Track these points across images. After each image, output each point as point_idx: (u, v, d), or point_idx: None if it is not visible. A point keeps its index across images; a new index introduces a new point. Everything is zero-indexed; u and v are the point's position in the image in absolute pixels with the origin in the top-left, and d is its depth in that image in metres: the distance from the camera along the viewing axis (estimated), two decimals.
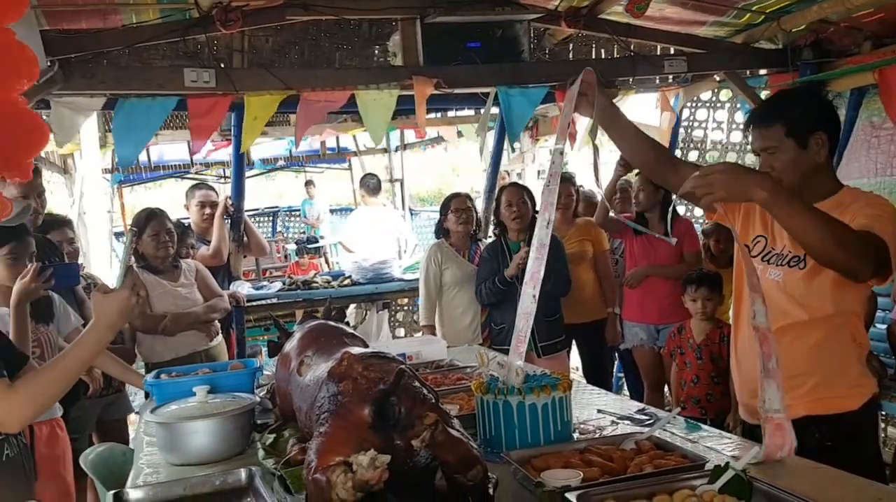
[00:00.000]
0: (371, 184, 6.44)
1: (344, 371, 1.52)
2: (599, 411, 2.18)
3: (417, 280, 4.33)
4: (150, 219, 3.56)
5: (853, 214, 1.82)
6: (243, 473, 1.74)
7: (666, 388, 4.18)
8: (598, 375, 4.32)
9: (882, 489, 1.47)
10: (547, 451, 1.71)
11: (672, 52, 4.73)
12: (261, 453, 1.91)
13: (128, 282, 1.77)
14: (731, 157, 5.26)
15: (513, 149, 5.24)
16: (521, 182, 6.12)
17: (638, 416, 2.08)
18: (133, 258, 3.47)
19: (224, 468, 1.83)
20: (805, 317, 1.88)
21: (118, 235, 8.36)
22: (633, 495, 1.41)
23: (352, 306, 5.93)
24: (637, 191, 4.08)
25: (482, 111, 4.77)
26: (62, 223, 3.57)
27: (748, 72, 4.84)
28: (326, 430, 1.43)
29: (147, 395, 2.94)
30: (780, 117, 1.92)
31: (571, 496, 1.39)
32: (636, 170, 4.00)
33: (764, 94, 4.68)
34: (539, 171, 7.09)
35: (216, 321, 3.77)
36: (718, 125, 5.45)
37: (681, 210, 4.98)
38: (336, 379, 1.52)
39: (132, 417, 3.87)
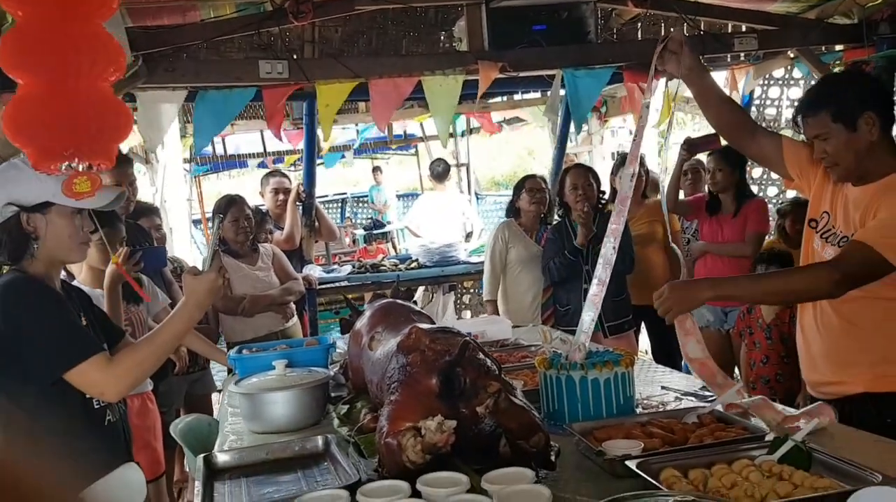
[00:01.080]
0: (438, 171, 6.54)
1: (412, 344, 1.61)
2: (663, 388, 2.21)
3: (482, 263, 4.39)
4: (231, 205, 3.74)
5: (886, 205, 1.83)
6: (320, 440, 1.86)
7: (736, 370, 4.14)
8: (666, 356, 4.29)
9: None
10: (609, 424, 1.76)
11: (743, 29, 4.62)
12: (335, 422, 2.03)
13: (215, 265, 1.87)
14: (787, 134, 5.11)
15: (578, 131, 5.21)
16: (588, 162, 6.12)
17: (702, 393, 2.11)
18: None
19: (302, 436, 1.95)
20: (856, 294, 1.88)
21: (196, 223, 8.72)
22: (693, 464, 1.45)
23: (419, 289, 6.06)
24: (714, 171, 4.02)
25: (549, 93, 4.77)
26: (150, 210, 3.79)
27: (822, 48, 4.69)
28: (397, 399, 1.52)
29: (230, 372, 3.12)
30: (825, 104, 1.93)
31: (631, 464, 1.44)
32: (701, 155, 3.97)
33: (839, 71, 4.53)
34: (603, 157, 7.04)
35: (291, 303, 3.94)
36: (792, 103, 5.30)
37: (754, 189, 4.88)
38: (405, 351, 1.61)
39: (215, 395, 4.09)
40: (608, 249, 2.02)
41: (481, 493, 1.21)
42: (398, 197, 13.14)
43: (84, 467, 1.62)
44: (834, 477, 1.35)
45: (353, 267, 5.61)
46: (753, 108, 5.35)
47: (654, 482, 1.35)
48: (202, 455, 1.79)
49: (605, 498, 1.25)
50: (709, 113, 2.27)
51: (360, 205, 13.56)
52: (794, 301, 1.90)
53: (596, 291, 2.00)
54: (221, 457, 1.81)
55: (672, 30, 2.10)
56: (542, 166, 11.08)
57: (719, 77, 5.13)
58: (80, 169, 1.90)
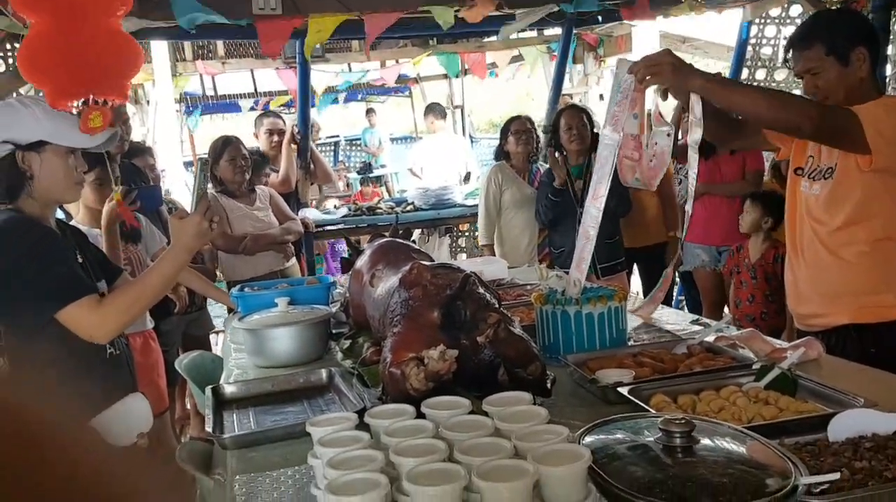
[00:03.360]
0: (439, 109, 6.52)
1: (414, 278, 1.65)
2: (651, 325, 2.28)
3: (478, 206, 4.43)
4: (227, 145, 3.74)
5: (861, 108, 1.87)
6: (324, 373, 1.92)
7: (726, 310, 4.23)
8: None
9: None
10: (602, 355, 1.83)
11: None
12: (339, 355, 2.09)
13: (201, 208, 1.86)
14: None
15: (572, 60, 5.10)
16: (584, 105, 6.08)
17: (693, 327, 2.17)
18: (210, 185, 3.68)
19: (306, 369, 2.02)
20: (839, 224, 1.94)
21: (187, 165, 8.68)
22: (682, 391, 1.52)
23: (416, 232, 6.10)
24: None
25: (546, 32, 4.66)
26: (144, 150, 3.79)
27: None
28: (399, 331, 1.57)
29: (230, 311, 3.17)
30: (818, 37, 1.95)
31: (623, 390, 1.51)
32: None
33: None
34: (601, 95, 7.00)
35: (290, 243, 3.98)
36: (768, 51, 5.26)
37: None
38: (407, 286, 1.65)
39: (213, 336, 4.16)
40: (591, 213, 2.01)
41: (482, 415, 1.27)
42: (392, 140, 13.05)
43: (89, 399, 1.65)
44: (818, 401, 1.42)
45: (350, 209, 5.63)
46: (749, 48, 5.31)
47: (644, 406, 1.42)
48: (210, 386, 1.85)
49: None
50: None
51: (354, 148, 13.45)
52: (766, 120, 1.94)
53: (581, 246, 2.02)
54: (229, 389, 1.88)
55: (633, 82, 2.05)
56: (542, 110, 10.98)
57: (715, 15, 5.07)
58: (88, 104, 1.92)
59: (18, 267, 1.73)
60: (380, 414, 1.23)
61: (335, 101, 11.15)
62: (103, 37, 1.98)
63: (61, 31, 1.93)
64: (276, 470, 1.37)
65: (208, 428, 1.56)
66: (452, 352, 1.41)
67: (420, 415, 1.24)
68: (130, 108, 7.19)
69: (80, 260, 1.88)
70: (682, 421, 1.09)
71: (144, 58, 2.35)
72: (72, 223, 2.56)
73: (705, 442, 1.11)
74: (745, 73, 5.19)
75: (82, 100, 1.87)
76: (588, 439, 1.18)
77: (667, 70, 1.81)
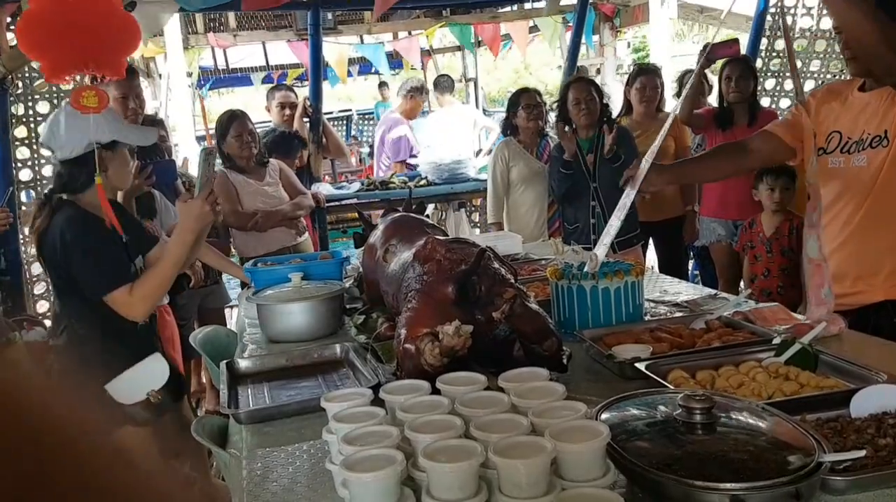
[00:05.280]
0: (445, 83, 6.43)
1: (428, 253, 1.63)
2: (663, 292, 2.25)
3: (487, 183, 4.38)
4: (233, 120, 3.71)
5: None
6: (338, 348, 1.92)
7: (742, 285, 4.19)
8: (674, 271, 4.33)
9: None
10: (619, 330, 1.80)
11: None
12: (353, 331, 2.08)
13: (203, 193, 2.10)
14: (821, 45, 4.98)
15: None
16: (599, 78, 6.00)
17: (707, 301, 2.15)
18: (219, 161, 3.67)
19: (320, 344, 2.01)
20: (890, 195, 1.89)
21: (200, 139, 8.67)
22: (700, 366, 1.49)
23: (429, 206, 6.07)
24: (736, 79, 3.92)
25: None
26: (156, 123, 3.76)
27: None
28: (414, 306, 1.55)
29: (244, 285, 3.17)
30: None
31: (641, 366, 1.49)
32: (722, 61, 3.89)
33: None
34: (618, 67, 6.89)
35: (302, 219, 3.96)
36: (808, 11, 5.13)
37: (765, 102, 4.80)
38: (421, 260, 1.64)
39: (228, 311, 4.18)
40: (625, 201, 2.06)
41: (498, 392, 1.26)
42: None
43: (117, 365, 2.03)
44: (840, 377, 1.40)
45: (363, 184, 5.61)
46: (769, 17, 5.19)
47: (662, 382, 1.40)
48: (225, 360, 1.85)
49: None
50: (706, 179, 2.31)
51: (366, 122, 13.36)
52: (865, 45, 1.81)
53: (606, 236, 2.04)
54: (243, 363, 1.88)
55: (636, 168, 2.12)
56: (539, 82, 10.83)
57: None
58: (88, 81, 1.96)
59: (77, 257, 2.07)
60: (395, 389, 1.22)
61: (348, 74, 11.06)
62: (101, 13, 1.97)
63: (59, 6, 1.92)
64: (292, 445, 1.37)
65: (223, 403, 1.56)
66: (467, 327, 1.40)
67: (435, 391, 1.23)
68: (143, 82, 7.20)
69: (125, 240, 2.18)
70: (703, 397, 1.07)
71: (141, 35, 2.37)
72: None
73: (725, 418, 1.09)
74: (763, 43, 5.08)
75: (79, 74, 1.90)
76: (605, 415, 1.17)
77: None
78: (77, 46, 1.91)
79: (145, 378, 2.13)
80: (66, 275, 2.12)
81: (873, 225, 1.92)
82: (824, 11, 5.03)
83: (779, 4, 5.17)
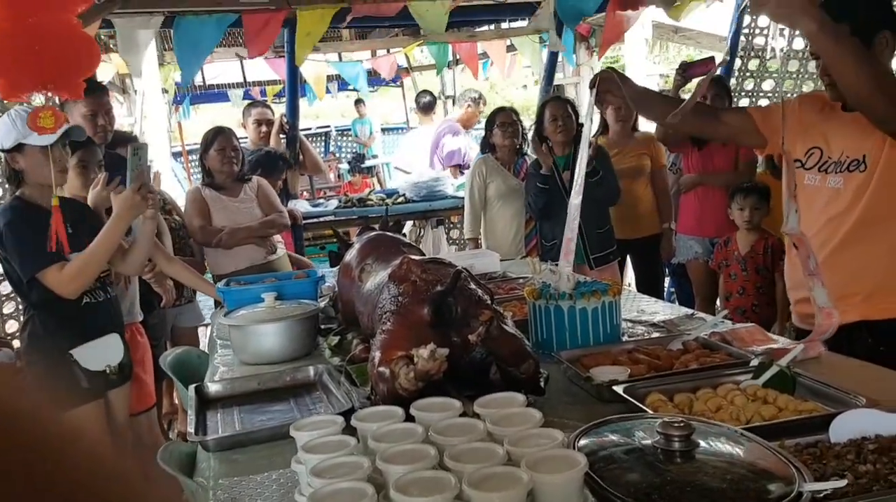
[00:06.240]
0: (423, 103, 6.42)
1: (404, 274, 1.60)
2: (639, 311, 2.24)
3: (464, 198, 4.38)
4: (217, 135, 3.67)
5: None
6: (311, 370, 1.87)
7: (718, 302, 4.20)
8: (651, 290, 4.35)
9: None
10: (596, 351, 1.78)
11: None
12: (327, 352, 2.04)
13: (134, 185, 2.35)
14: (794, 66, 5.05)
15: (573, 26, 5.03)
16: (575, 98, 6.03)
17: (683, 321, 2.14)
18: (201, 177, 3.64)
19: (293, 366, 1.97)
20: (865, 220, 1.88)
21: (176, 155, 8.57)
22: (678, 389, 1.47)
23: (408, 223, 6.04)
24: (711, 98, 3.95)
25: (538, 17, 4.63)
26: (128, 138, 3.70)
27: None
28: (389, 328, 1.52)
29: (217, 304, 3.11)
30: (843, 16, 1.83)
31: (618, 389, 1.47)
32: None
33: None
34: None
35: (277, 236, 3.90)
36: (781, 31, 5.21)
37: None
38: (397, 281, 1.61)
39: (202, 328, 4.10)
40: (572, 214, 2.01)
41: (474, 418, 1.23)
42: (384, 130, 12.94)
43: (71, 335, 2.43)
44: (818, 400, 1.38)
45: (340, 201, 5.57)
46: (742, 37, 5.26)
47: (640, 405, 1.38)
48: (193, 385, 1.80)
49: (593, 421, 1.27)
50: (661, 120, 2.26)
51: (344, 138, 13.34)
52: (864, 91, 1.74)
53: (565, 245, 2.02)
54: (213, 387, 1.83)
55: (599, 76, 2.05)
56: (504, 100, 10.85)
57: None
58: (44, 102, 2.01)
59: (9, 241, 2.33)
60: (367, 417, 1.18)
61: (326, 91, 11.04)
62: (61, 35, 1.95)
63: (17, 25, 1.89)
64: (261, 473, 1.33)
65: (190, 429, 1.52)
66: (443, 350, 1.37)
67: (410, 417, 1.20)
68: (119, 98, 7.10)
69: (70, 231, 2.36)
70: (681, 424, 1.05)
71: (101, 56, 2.38)
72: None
73: (705, 445, 1.07)
74: (738, 63, 5.15)
75: (36, 94, 1.89)
76: (583, 442, 1.14)
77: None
78: (36, 67, 1.88)
79: (104, 352, 2.49)
80: (8, 262, 2.38)
81: (850, 248, 1.90)
82: (796, 33, 5.11)
83: (752, 25, 5.26)
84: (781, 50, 5.01)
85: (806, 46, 4.92)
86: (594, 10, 4.76)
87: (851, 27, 1.83)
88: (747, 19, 5.25)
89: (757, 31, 5.31)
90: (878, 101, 1.72)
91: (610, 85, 2.03)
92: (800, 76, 5.02)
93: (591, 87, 2.05)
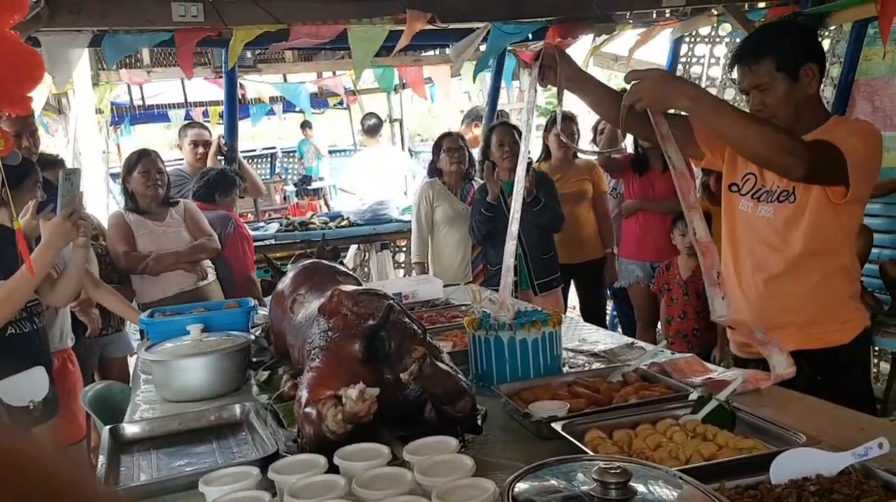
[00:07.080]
0: (369, 125, 6.36)
1: (334, 307, 1.53)
2: (582, 341, 2.21)
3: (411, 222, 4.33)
4: (141, 157, 3.52)
5: (833, 137, 1.80)
6: (238, 409, 1.77)
7: (659, 326, 4.23)
8: (594, 314, 4.36)
9: (864, 419, 1.49)
10: (536, 384, 1.73)
11: None
12: (255, 389, 1.94)
13: (65, 212, 2.24)
14: (730, 94, 5.18)
15: (476, 74, 5.14)
16: (519, 122, 6.06)
17: (623, 352, 2.11)
18: (124, 202, 3.51)
19: (219, 404, 1.86)
20: (796, 252, 1.88)
21: (115, 177, 8.30)
22: (617, 425, 1.43)
23: (352, 248, 5.94)
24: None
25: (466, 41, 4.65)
26: (56, 162, 3.53)
27: (747, 5, 4.72)
28: (317, 365, 1.44)
29: (143, 335, 2.96)
30: (768, 52, 1.86)
31: (557, 426, 1.41)
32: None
33: None
34: (537, 112, 6.99)
35: (208, 261, 3.75)
36: (717, 60, 5.35)
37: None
38: (327, 315, 1.53)
39: (133, 359, 3.91)
40: (509, 247, 2.00)
41: (403, 464, 1.16)
42: (331, 153, 12.82)
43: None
44: (758, 437, 1.35)
45: (281, 224, 5.45)
46: (680, 66, 5.38)
47: (579, 445, 1.33)
48: (108, 426, 1.68)
49: (531, 460, 1.21)
50: (601, 112, 2.24)
51: (290, 159, 13.16)
52: (754, 157, 1.81)
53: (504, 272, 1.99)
54: (130, 429, 1.71)
55: (544, 46, 2.03)
56: (444, 124, 10.90)
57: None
58: None
59: None
60: (286, 467, 1.10)
61: (271, 112, 10.89)
62: (0, 47, 1.82)
63: None
64: None
65: (99, 478, 1.40)
66: (373, 390, 1.29)
67: (334, 466, 1.12)
68: (54, 119, 6.84)
69: None
70: (618, 471, 1.00)
71: (45, 69, 2.24)
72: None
73: (643, 490, 1.02)
74: None
75: None
76: (520, 486, 1.08)
77: (645, 94, 1.74)
78: None
79: (29, 386, 2.36)
80: None
81: (784, 279, 1.90)
82: (711, 60, 5.25)
83: (689, 54, 5.38)
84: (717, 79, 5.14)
85: None
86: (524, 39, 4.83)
87: (777, 60, 1.86)
88: (684, 48, 5.37)
89: (694, 59, 5.43)
90: (773, 156, 1.74)
91: (552, 61, 2.00)
92: (737, 104, 5.14)
93: (535, 60, 2.00)
